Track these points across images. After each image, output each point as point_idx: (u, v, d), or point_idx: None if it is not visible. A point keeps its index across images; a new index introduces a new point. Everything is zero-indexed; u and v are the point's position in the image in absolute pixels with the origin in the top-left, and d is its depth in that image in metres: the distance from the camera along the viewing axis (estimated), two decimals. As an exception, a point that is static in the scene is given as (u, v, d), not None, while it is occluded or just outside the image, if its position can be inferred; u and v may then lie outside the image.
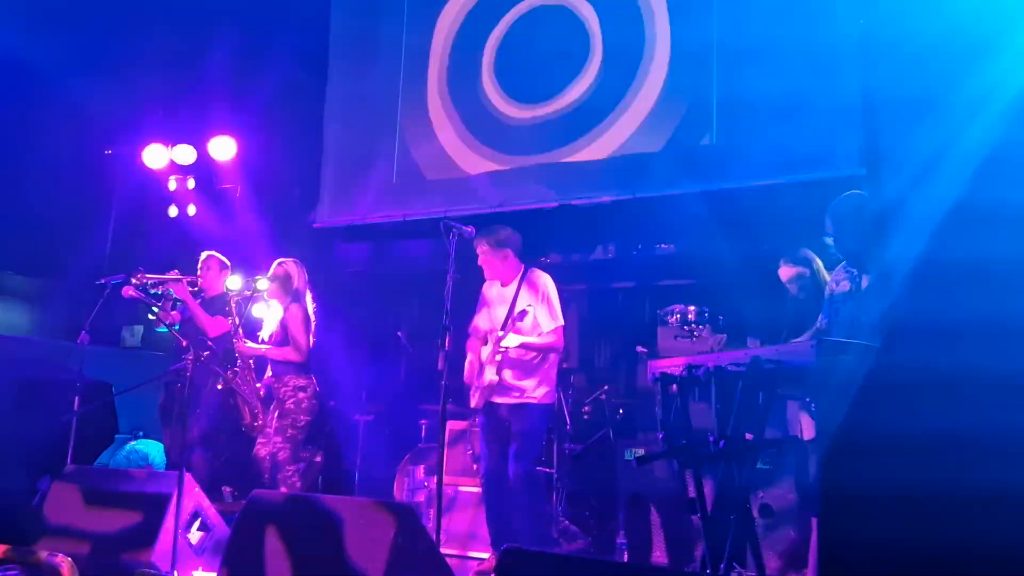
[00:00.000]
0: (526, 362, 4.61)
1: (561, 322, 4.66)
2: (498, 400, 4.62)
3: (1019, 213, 1.85)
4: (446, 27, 7.62)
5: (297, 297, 5.38)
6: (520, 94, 7.08)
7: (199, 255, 6.10)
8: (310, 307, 5.44)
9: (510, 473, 4.57)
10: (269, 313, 5.60)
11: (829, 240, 3.48)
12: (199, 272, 5.91)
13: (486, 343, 4.77)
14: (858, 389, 1.98)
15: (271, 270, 5.46)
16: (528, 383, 4.58)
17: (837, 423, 2.03)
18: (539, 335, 4.60)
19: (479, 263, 4.80)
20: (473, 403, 4.75)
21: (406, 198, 7.55)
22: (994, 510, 1.50)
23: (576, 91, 6.80)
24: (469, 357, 4.83)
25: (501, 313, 4.72)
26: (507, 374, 4.59)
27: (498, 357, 4.57)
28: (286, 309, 5.35)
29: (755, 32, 6.04)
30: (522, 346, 4.55)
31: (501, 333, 4.58)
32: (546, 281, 4.73)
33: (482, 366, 4.68)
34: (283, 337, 5.30)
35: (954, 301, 1.83)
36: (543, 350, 4.63)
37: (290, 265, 5.45)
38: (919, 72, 2.78)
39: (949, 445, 1.70)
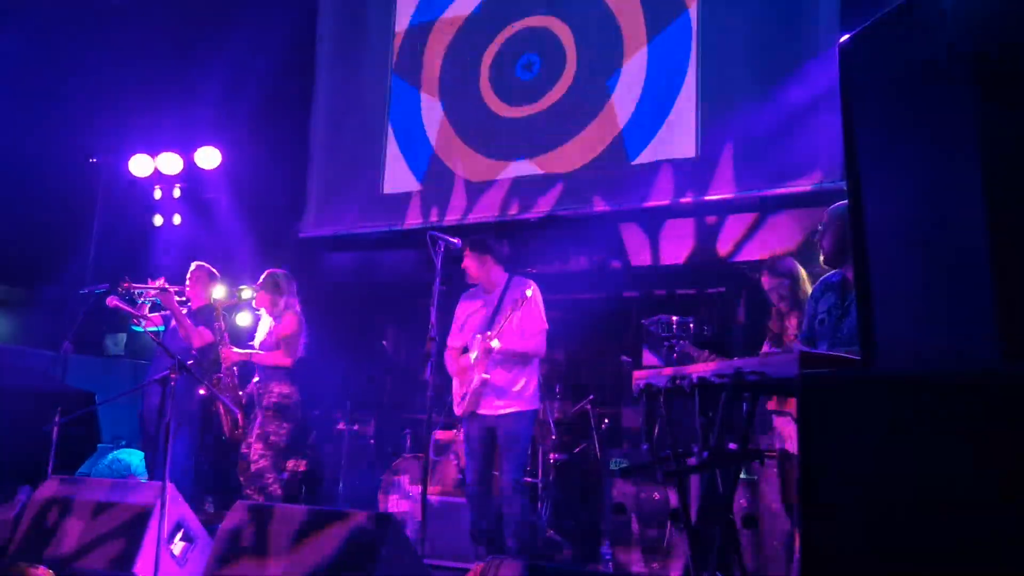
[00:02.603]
0: (510, 366, 4.62)
1: (545, 326, 4.67)
2: (483, 412, 4.62)
3: None
4: (440, 34, 7.65)
5: (289, 305, 5.47)
6: (512, 97, 7.12)
7: (184, 264, 6.08)
8: (300, 315, 5.49)
9: (498, 482, 4.57)
10: (260, 322, 5.65)
11: (823, 256, 3.45)
12: (187, 282, 5.89)
13: (466, 353, 4.79)
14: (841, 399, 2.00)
15: (261, 279, 5.52)
16: (512, 389, 4.59)
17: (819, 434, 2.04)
18: (523, 339, 4.60)
19: (462, 266, 4.83)
20: (458, 411, 4.75)
21: (392, 208, 7.56)
22: (978, 517, 1.51)
23: (556, 93, 6.88)
24: (455, 380, 4.83)
25: (486, 317, 4.74)
26: (494, 376, 4.59)
27: (484, 355, 4.57)
28: (278, 317, 5.44)
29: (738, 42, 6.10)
30: (507, 349, 4.56)
31: (490, 334, 4.59)
32: (531, 286, 4.75)
33: (468, 373, 4.68)
34: (273, 344, 5.38)
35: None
36: (527, 354, 4.64)
37: (280, 275, 5.55)
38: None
39: (931, 451, 1.72)
